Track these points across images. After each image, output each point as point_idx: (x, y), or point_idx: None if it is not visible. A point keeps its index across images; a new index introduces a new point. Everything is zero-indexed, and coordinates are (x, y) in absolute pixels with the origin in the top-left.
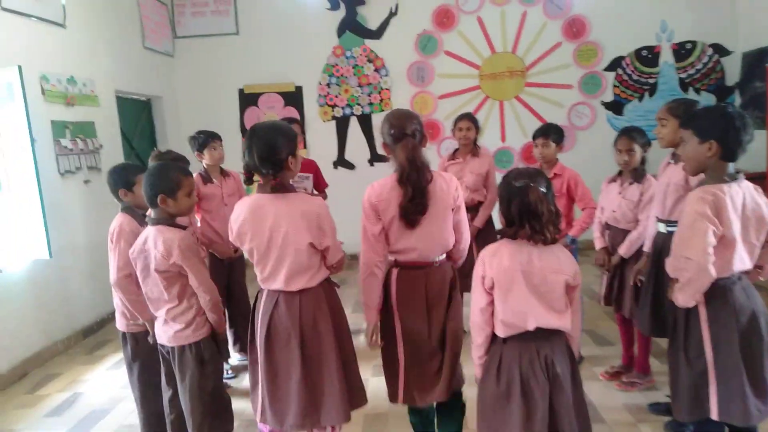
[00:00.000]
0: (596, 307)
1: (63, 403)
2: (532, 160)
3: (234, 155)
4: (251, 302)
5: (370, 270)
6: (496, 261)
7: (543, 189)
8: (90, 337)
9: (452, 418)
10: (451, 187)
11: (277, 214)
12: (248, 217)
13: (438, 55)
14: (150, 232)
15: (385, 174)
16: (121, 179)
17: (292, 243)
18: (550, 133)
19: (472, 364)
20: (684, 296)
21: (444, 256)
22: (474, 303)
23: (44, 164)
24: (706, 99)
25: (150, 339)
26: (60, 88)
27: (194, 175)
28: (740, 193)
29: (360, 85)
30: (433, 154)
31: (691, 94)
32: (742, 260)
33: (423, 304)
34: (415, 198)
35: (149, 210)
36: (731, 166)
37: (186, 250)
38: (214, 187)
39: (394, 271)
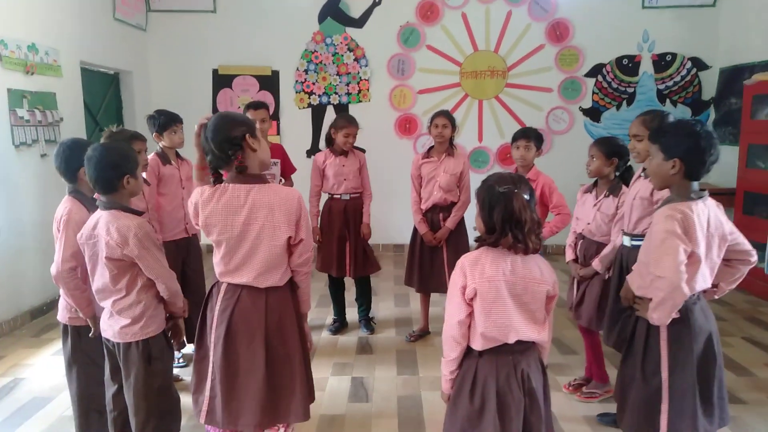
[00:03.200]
0: (561, 314)
1: (2, 388)
2: (509, 161)
3: None
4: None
5: None
6: (478, 270)
7: (526, 196)
8: (38, 319)
9: None
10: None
11: (252, 207)
12: (217, 208)
13: (420, 48)
14: (102, 216)
15: None
16: (83, 156)
17: (268, 238)
18: (532, 136)
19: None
20: (659, 315)
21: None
22: (450, 315)
23: None
24: (683, 112)
25: (91, 335)
26: (19, 55)
27: (152, 155)
28: (705, 210)
29: (339, 74)
30: (410, 150)
31: (668, 106)
32: (704, 278)
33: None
34: None
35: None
36: (695, 184)
37: (144, 239)
38: (173, 169)
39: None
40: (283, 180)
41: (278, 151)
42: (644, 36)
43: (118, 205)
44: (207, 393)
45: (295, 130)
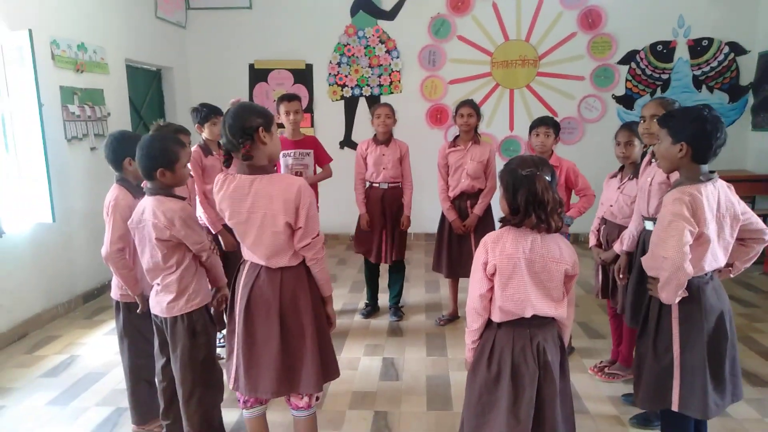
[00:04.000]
0: (591, 300)
1: (60, 364)
2: None
3: None
4: None
5: None
6: (499, 248)
7: (548, 177)
8: (90, 302)
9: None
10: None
11: (255, 195)
12: (226, 194)
13: (451, 39)
14: (148, 202)
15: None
16: (128, 147)
17: (270, 226)
18: (551, 123)
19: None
20: (667, 294)
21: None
22: (473, 289)
23: (51, 129)
24: (719, 98)
25: (139, 311)
26: (70, 54)
27: (195, 147)
28: (715, 192)
29: (371, 66)
30: (441, 140)
31: (704, 92)
32: (716, 258)
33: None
34: None
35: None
36: (705, 167)
37: (188, 219)
38: (214, 159)
39: None
40: (319, 169)
41: (311, 142)
42: (680, 21)
43: (162, 192)
44: (234, 362)
45: (328, 122)
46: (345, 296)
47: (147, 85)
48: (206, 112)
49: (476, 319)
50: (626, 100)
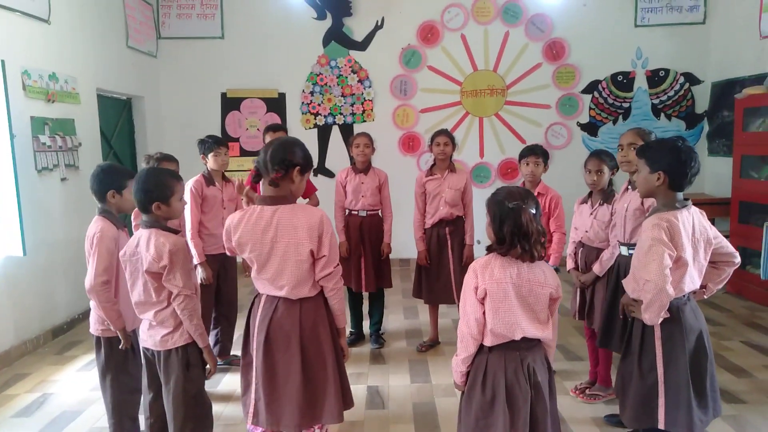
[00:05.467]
0: (567, 322)
1: (32, 403)
2: (510, 176)
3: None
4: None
5: None
6: (488, 273)
7: (533, 210)
8: (60, 337)
9: None
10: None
11: (278, 225)
12: (248, 226)
13: (421, 69)
14: (143, 234)
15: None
16: (114, 181)
17: (293, 254)
18: (540, 153)
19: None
20: (650, 315)
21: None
22: (467, 314)
23: (22, 160)
24: (677, 125)
25: (122, 347)
26: (41, 84)
27: (197, 177)
28: (690, 218)
29: (343, 95)
30: (413, 167)
31: (663, 120)
32: (693, 280)
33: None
34: None
35: (133, 214)
36: (680, 195)
37: (175, 254)
38: (216, 190)
39: None
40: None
41: None
42: (638, 53)
43: (156, 225)
44: (252, 396)
45: None
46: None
47: (117, 115)
48: (211, 143)
49: (471, 343)
50: (590, 128)
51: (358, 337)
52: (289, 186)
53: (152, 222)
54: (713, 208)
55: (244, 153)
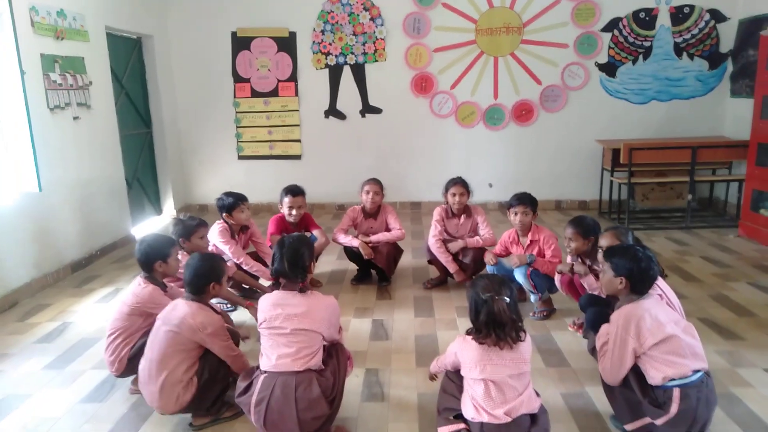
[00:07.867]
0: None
1: (53, 331)
2: (524, 118)
3: (227, 98)
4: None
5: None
6: (467, 349)
7: (507, 299)
8: (78, 272)
9: None
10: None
11: (298, 305)
12: (272, 308)
13: (435, 6)
14: (186, 304)
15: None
16: (159, 252)
17: (308, 329)
18: (528, 202)
19: None
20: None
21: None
22: (447, 356)
23: (33, 98)
24: (699, 65)
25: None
26: (49, 21)
27: (221, 226)
28: (655, 294)
29: (355, 34)
30: (426, 108)
31: (685, 59)
32: (694, 354)
33: None
34: None
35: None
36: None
37: (219, 332)
38: (233, 243)
39: None
40: (311, 234)
41: (305, 221)
42: None
43: (202, 301)
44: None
45: (312, 90)
46: (333, 263)
47: (128, 54)
48: (232, 202)
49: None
50: (609, 68)
51: (364, 276)
52: (309, 275)
53: (197, 298)
54: (732, 150)
55: (255, 94)
